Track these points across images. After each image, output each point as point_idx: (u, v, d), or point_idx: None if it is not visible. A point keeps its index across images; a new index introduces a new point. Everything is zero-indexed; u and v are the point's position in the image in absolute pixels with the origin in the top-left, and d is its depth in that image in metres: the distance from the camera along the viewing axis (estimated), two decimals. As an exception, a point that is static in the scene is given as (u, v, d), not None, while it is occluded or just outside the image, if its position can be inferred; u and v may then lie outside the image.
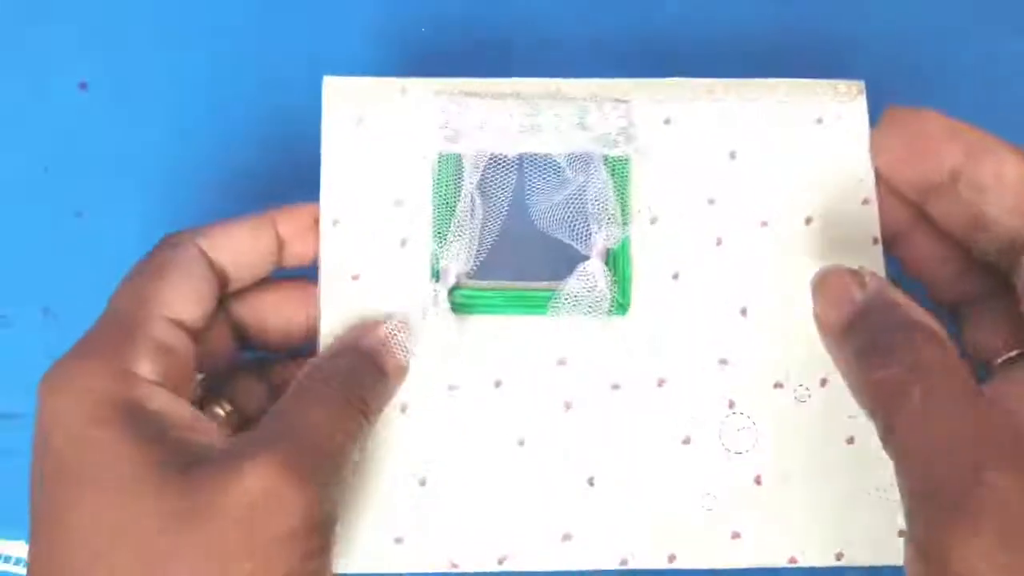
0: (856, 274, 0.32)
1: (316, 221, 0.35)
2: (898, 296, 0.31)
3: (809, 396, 0.35)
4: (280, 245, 0.35)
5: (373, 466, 0.34)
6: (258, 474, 0.28)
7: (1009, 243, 0.32)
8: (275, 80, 0.42)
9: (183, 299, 0.32)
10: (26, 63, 0.43)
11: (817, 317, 0.32)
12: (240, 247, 0.34)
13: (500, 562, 0.33)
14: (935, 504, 0.27)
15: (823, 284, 0.32)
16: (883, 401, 0.29)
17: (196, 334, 0.32)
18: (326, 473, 0.29)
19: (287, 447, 0.29)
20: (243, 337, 0.35)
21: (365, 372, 0.32)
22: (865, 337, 0.30)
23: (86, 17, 0.43)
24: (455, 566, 0.33)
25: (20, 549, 0.38)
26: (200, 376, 0.33)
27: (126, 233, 0.41)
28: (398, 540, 0.33)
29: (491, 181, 0.35)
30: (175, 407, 0.30)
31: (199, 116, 0.42)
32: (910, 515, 0.28)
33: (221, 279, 0.33)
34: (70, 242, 0.41)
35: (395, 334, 0.34)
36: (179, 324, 0.31)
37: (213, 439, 0.30)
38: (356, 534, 0.33)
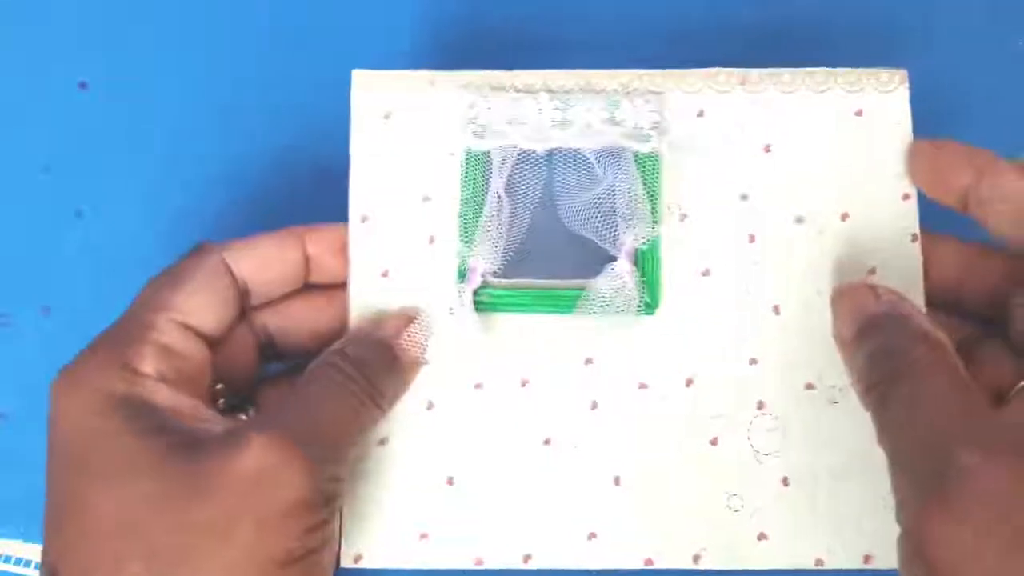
0: (872, 288, 0.32)
1: (345, 244, 0.35)
2: (911, 309, 0.31)
3: (841, 397, 0.34)
4: (308, 262, 0.35)
5: (398, 462, 0.34)
6: (259, 449, 0.28)
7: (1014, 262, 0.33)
8: (274, 79, 0.42)
9: (198, 307, 0.32)
10: (26, 63, 0.43)
11: (835, 335, 0.33)
12: (265, 261, 0.34)
13: (525, 560, 0.34)
14: (914, 489, 0.28)
15: (839, 299, 0.33)
16: (875, 399, 0.30)
17: (212, 342, 0.33)
18: (328, 452, 0.30)
19: (289, 425, 0.30)
20: (271, 346, 0.36)
21: (378, 360, 0.33)
22: (873, 345, 0.31)
23: (86, 17, 0.43)
24: (480, 562, 0.34)
25: (19, 548, 0.39)
26: (219, 385, 0.34)
27: (126, 233, 0.41)
28: (423, 536, 0.34)
29: (519, 178, 0.35)
30: (178, 400, 0.30)
31: (199, 115, 0.42)
32: (897, 507, 0.29)
33: (243, 291, 0.34)
34: (70, 242, 0.41)
35: (412, 327, 0.34)
36: (191, 329, 0.32)
37: (217, 426, 0.30)
38: (380, 529, 0.34)
